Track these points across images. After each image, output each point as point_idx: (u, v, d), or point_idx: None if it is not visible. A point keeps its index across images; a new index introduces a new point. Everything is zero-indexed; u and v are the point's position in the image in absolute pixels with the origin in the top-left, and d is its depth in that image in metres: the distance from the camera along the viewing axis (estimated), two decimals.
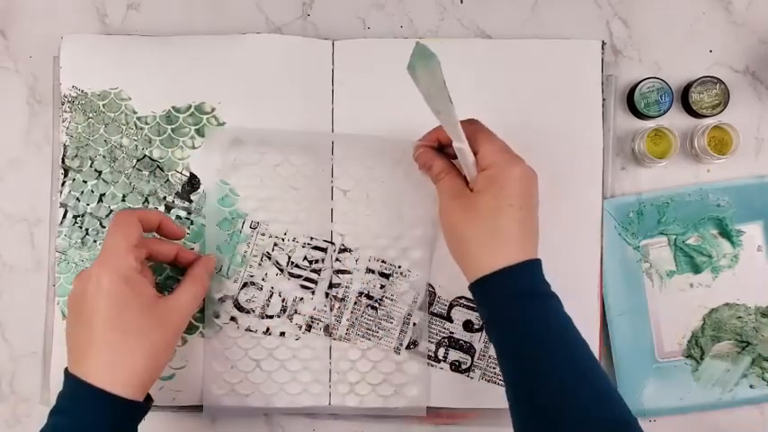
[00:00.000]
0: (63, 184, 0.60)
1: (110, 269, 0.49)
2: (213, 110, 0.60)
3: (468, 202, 0.52)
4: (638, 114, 0.61)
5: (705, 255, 0.61)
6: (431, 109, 0.50)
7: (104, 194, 0.60)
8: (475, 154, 0.52)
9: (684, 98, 0.62)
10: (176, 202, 0.60)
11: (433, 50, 0.47)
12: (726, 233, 0.61)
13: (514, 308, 0.49)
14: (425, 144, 0.56)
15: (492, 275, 0.50)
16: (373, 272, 0.60)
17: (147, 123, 0.60)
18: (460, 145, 0.51)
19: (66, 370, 0.50)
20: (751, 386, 0.61)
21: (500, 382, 0.60)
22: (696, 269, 0.61)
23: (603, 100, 0.61)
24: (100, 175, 0.60)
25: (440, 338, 0.60)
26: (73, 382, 0.49)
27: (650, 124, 0.61)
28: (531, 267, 0.50)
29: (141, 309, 0.50)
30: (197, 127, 0.60)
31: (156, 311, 0.51)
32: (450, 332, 0.60)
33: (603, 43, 0.61)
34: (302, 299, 0.60)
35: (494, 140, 0.52)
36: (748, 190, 0.61)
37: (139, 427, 0.60)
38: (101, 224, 0.60)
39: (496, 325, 0.50)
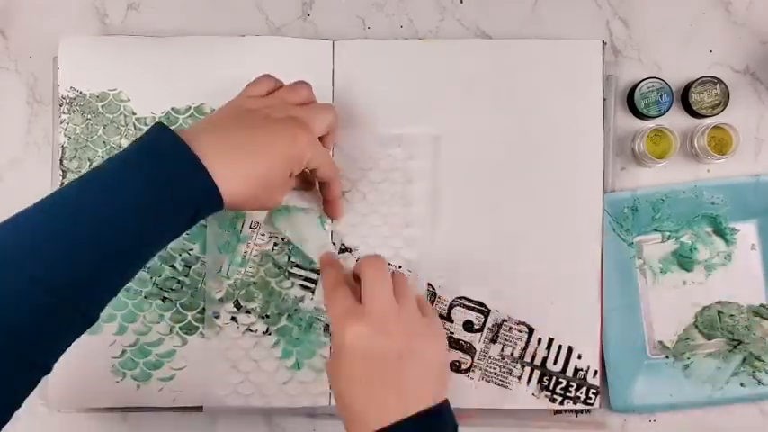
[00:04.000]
0: (62, 185, 0.60)
1: None
2: (213, 111, 0.60)
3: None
4: (638, 114, 0.61)
5: (698, 253, 0.61)
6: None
7: None
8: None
9: (684, 98, 0.62)
10: None
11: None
12: (720, 231, 0.61)
13: None
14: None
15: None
16: None
17: (146, 125, 0.60)
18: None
19: (164, 126, 0.47)
20: (742, 384, 0.60)
21: (500, 382, 0.60)
22: (688, 266, 0.61)
23: (603, 100, 0.61)
24: None
25: None
26: (175, 145, 0.45)
27: (650, 124, 0.61)
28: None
29: None
30: None
31: None
32: (450, 332, 0.60)
33: (604, 43, 0.61)
34: (302, 299, 0.60)
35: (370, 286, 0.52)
36: (743, 188, 0.61)
37: (139, 428, 0.61)
38: None
39: None
